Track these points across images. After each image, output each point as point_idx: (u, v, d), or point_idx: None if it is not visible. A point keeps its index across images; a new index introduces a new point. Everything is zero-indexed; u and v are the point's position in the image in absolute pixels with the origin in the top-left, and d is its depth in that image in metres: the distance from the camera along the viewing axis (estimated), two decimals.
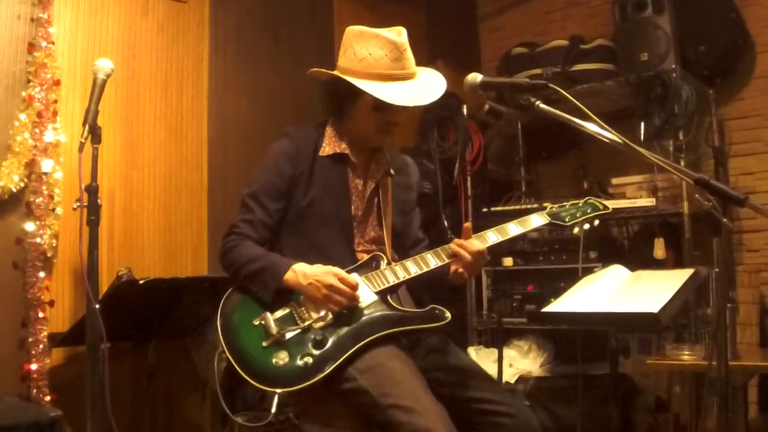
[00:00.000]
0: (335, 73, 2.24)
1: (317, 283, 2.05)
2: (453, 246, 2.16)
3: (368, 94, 2.14)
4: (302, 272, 2.08)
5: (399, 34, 2.22)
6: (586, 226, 2.46)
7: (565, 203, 2.47)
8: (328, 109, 2.34)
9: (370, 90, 2.13)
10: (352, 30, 2.26)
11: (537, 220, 2.35)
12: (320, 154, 2.27)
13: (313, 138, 2.30)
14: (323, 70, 2.27)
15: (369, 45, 2.19)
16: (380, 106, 2.16)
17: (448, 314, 2.10)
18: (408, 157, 2.55)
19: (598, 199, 2.54)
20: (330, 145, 2.29)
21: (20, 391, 2.71)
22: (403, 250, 2.36)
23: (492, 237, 2.25)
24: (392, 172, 2.38)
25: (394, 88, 2.16)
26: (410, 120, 4.39)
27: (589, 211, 2.46)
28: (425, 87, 2.23)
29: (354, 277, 2.12)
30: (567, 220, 2.40)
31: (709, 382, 3.00)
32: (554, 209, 2.43)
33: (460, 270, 2.16)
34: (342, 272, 2.08)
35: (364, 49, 2.19)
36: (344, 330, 2.06)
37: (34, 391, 2.72)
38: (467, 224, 2.20)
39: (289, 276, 2.09)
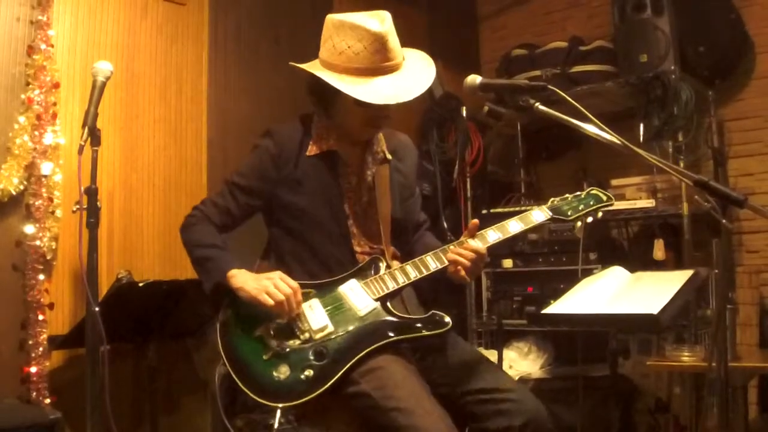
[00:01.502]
0: (312, 71, 2.14)
1: (260, 276, 2.04)
2: (450, 255, 2.10)
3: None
4: (247, 272, 2.07)
5: (382, 22, 2.09)
6: (590, 219, 2.37)
7: (567, 195, 2.38)
8: (313, 104, 2.25)
9: (346, 90, 2.04)
10: (332, 19, 2.14)
11: (538, 216, 2.27)
12: (307, 154, 2.21)
13: (298, 136, 2.23)
14: (301, 66, 2.19)
15: (348, 37, 2.07)
16: (361, 102, 2.05)
17: (448, 320, 2.06)
18: (404, 135, 2.45)
19: (602, 190, 2.44)
20: (317, 144, 2.22)
21: (20, 394, 2.70)
22: (406, 237, 2.32)
23: (492, 235, 2.18)
24: (389, 157, 2.30)
25: (374, 84, 2.06)
26: (409, 121, 4.39)
27: (592, 203, 2.36)
28: (409, 81, 2.11)
29: (352, 285, 2.10)
30: (569, 214, 2.31)
31: (709, 383, 3.01)
32: (556, 203, 2.35)
33: (461, 273, 2.10)
34: (286, 277, 2.05)
35: (343, 42, 2.08)
36: (345, 339, 2.02)
37: (34, 393, 2.71)
38: (475, 221, 2.15)
39: (232, 273, 2.06)
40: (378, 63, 2.07)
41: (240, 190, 2.21)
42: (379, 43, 2.06)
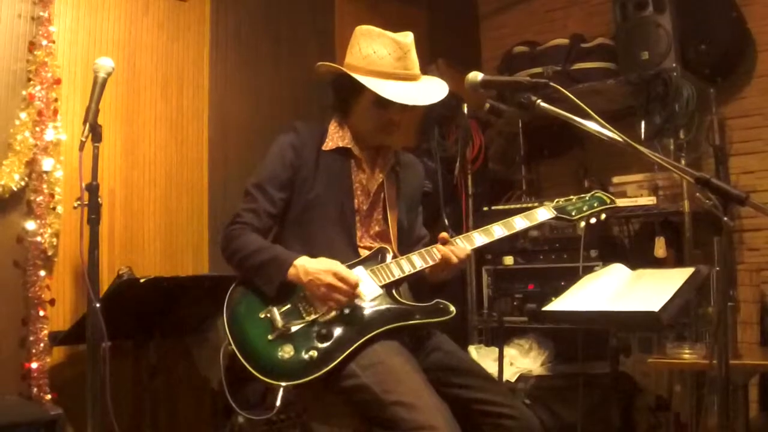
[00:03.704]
0: (338, 67, 2.27)
1: (317, 281, 2.05)
2: (443, 250, 2.17)
3: (369, 91, 2.17)
4: (303, 268, 2.08)
5: (405, 37, 2.25)
6: (593, 221, 2.44)
7: (571, 197, 2.46)
8: (333, 106, 2.36)
9: (370, 85, 2.16)
10: (360, 29, 2.30)
11: (543, 214, 2.36)
12: (324, 149, 2.29)
13: (318, 134, 2.32)
14: (329, 63, 2.31)
15: (374, 43, 2.23)
16: (380, 103, 2.18)
17: (452, 308, 2.12)
18: (414, 156, 2.57)
19: (605, 193, 2.52)
20: (333, 140, 2.31)
21: (21, 390, 2.71)
22: (405, 247, 2.36)
23: (498, 231, 2.27)
24: (397, 169, 2.39)
25: (394, 86, 2.18)
26: (411, 119, 4.38)
27: (595, 204, 2.46)
28: (426, 89, 2.25)
29: (358, 272, 2.13)
30: (573, 214, 2.41)
31: (709, 381, 3.01)
32: (560, 203, 2.43)
33: (444, 271, 2.19)
34: (342, 270, 2.08)
35: (369, 47, 2.23)
36: (349, 323, 2.06)
37: (35, 389, 2.72)
38: (444, 234, 2.21)
39: (291, 272, 2.09)
40: (399, 69, 2.23)
41: (269, 185, 2.23)
42: (402, 51, 2.23)
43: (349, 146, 2.30)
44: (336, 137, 2.31)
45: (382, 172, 2.34)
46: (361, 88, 2.19)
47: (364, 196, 2.30)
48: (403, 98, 2.17)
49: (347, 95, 2.28)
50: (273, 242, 2.27)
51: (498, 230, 2.27)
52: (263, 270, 2.12)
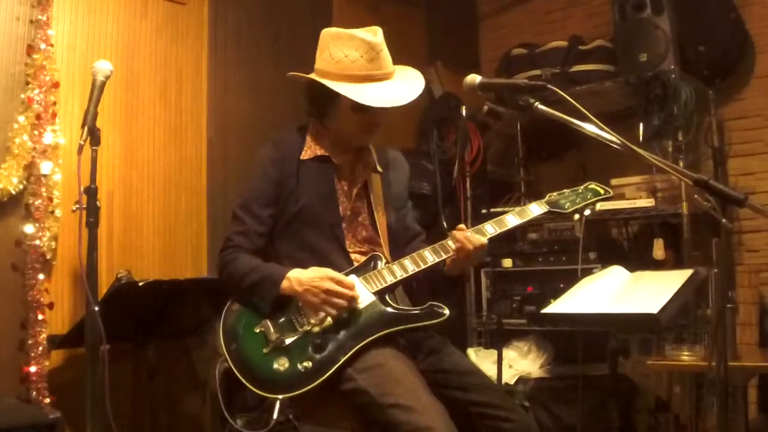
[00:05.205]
0: (312, 76, 2.24)
1: (314, 289, 2.06)
2: (457, 234, 2.17)
3: (346, 97, 2.14)
4: (297, 279, 2.09)
5: (375, 34, 2.20)
6: (587, 212, 2.44)
7: (564, 190, 2.45)
8: (309, 112, 2.34)
9: (346, 92, 2.13)
10: (328, 32, 2.25)
11: (535, 209, 2.35)
12: (302, 157, 2.28)
13: (297, 142, 2.31)
14: (300, 74, 2.29)
15: (345, 47, 2.18)
16: (359, 108, 2.16)
17: (446, 310, 2.12)
18: (397, 151, 2.54)
19: (600, 184, 2.51)
20: (310, 149, 2.30)
21: (20, 393, 2.71)
22: (399, 246, 2.37)
23: (490, 229, 2.25)
24: (379, 169, 2.37)
25: (370, 89, 2.16)
26: (409, 121, 4.39)
27: (589, 196, 2.45)
28: (402, 87, 2.22)
29: (351, 279, 2.13)
30: (567, 207, 2.39)
31: (708, 383, 3.01)
32: (554, 197, 2.42)
33: (461, 262, 2.18)
34: (337, 274, 2.09)
35: (340, 51, 2.18)
36: (343, 332, 2.07)
37: (34, 393, 2.72)
38: (461, 226, 2.22)
39: (284, 285, 2.10)
40: (373, 71, 2.18)
41: (255, 204, 2.24)
42: (374, 52, 2.18)
43: (326, 154, 2.29)
44: (313, 146, 2.30)
45: (363, 177, 2.33)
46: (337, 94, 2.16)
47: (347, 202, 2.29)
48: (382, 101, 2.14)
49: (324, 102, 2.25)
50: (266, 256, 2.26)
51: (489, 228, 2.26)
52: (257, 288, 2.13)
